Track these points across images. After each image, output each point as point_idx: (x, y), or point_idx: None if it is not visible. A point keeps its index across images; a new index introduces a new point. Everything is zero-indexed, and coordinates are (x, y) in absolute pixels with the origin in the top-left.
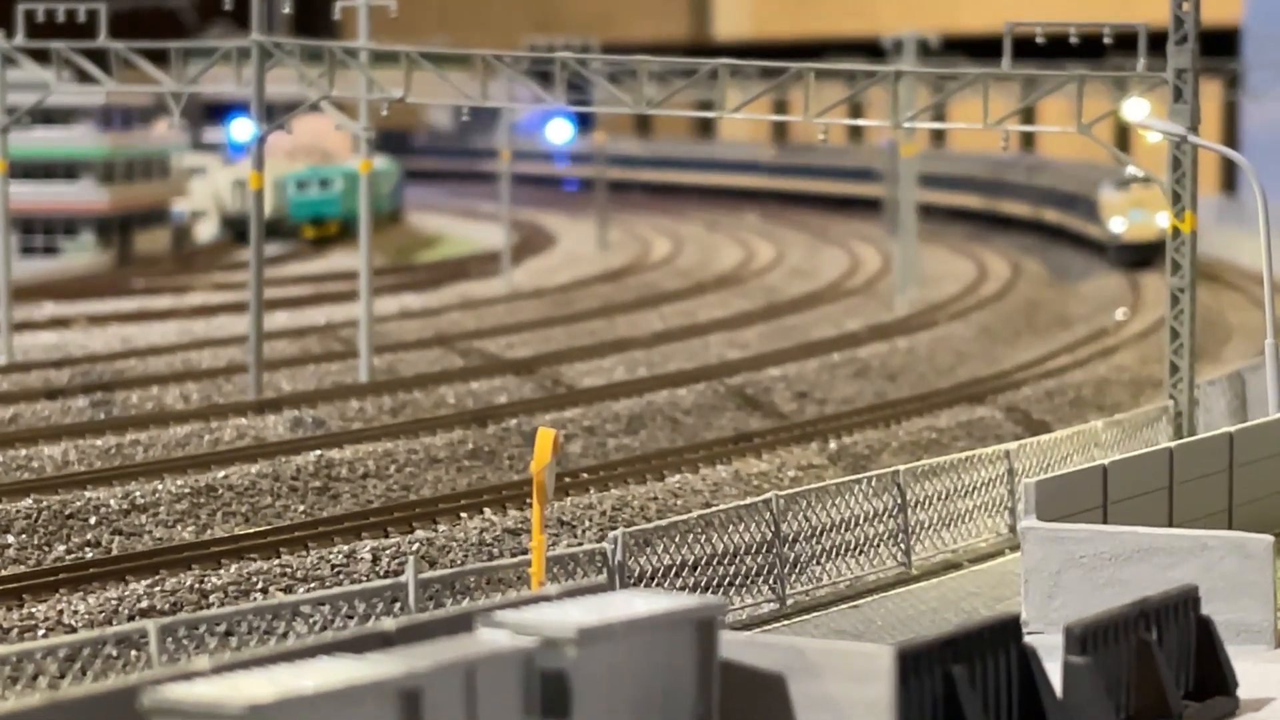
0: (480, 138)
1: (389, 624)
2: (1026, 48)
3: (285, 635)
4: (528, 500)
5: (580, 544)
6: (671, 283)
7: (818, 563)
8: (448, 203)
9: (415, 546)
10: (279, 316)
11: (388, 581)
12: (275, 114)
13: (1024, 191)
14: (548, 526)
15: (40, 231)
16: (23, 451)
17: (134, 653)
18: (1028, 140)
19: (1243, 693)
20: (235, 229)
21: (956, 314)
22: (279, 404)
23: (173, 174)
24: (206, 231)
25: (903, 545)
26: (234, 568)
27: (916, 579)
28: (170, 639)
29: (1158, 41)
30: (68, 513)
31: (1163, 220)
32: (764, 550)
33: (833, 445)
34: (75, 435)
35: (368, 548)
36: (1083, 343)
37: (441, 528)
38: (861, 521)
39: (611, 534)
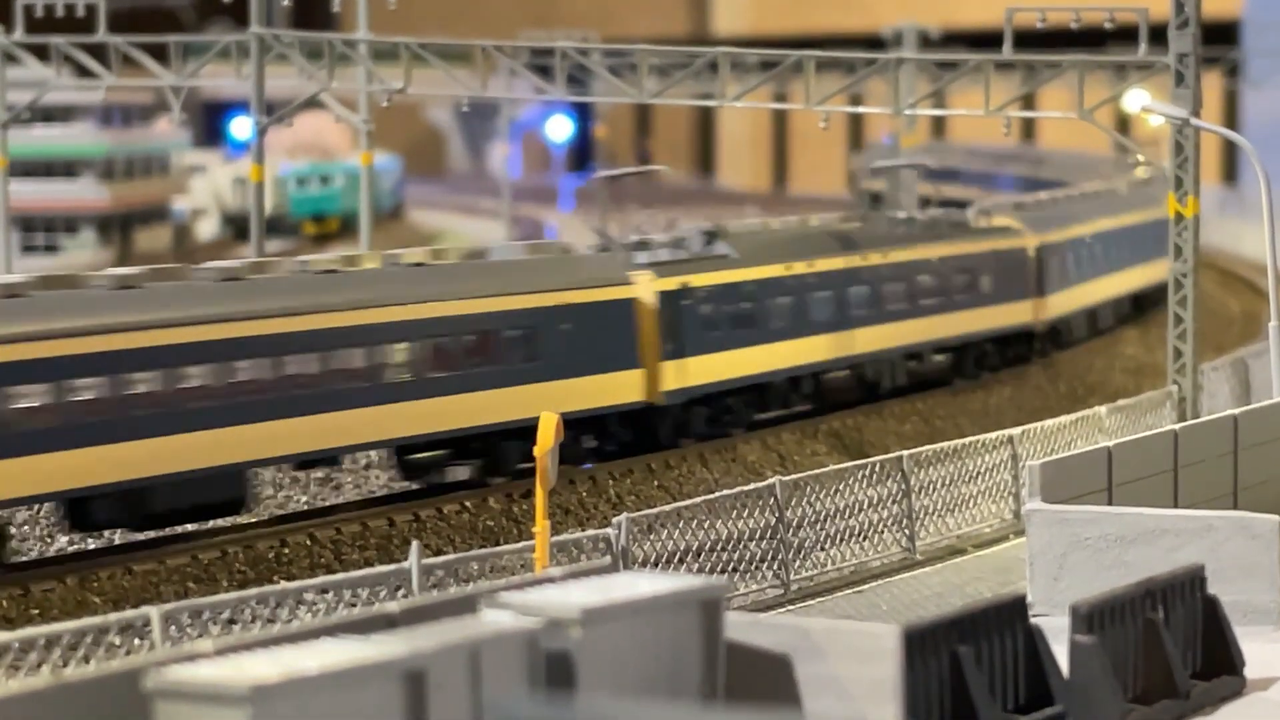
0: None
1: (393, 606)
2: (1027, 38)
3: (289, 621)
4: (531, 488)
5: (584, 530)
6: None
7: (822, 548)
8: (449, 199)
9: (419, 533)
10: None
11: (391, 568)
12: (275, 111)
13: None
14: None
15: (41, 230)
16: None
17: (137, 640)
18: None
19: (1249, 672)
20: (236, 226)
21: None
22: None
23: (173, 171)
24: (207, 229)
25: (907, 530)
26: (239, 556)
27: (921, 564)
28: (173, 625)
29: (1157, 34)
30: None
31: None
32: (768, 536)
33: (837, 432)
34: None
35: (371, 535)
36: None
37: (445, 511)
38: (866, 507)
39: (615, 519)
